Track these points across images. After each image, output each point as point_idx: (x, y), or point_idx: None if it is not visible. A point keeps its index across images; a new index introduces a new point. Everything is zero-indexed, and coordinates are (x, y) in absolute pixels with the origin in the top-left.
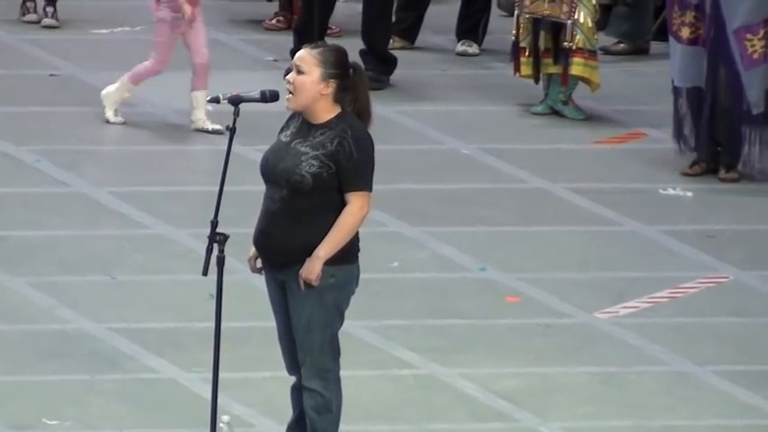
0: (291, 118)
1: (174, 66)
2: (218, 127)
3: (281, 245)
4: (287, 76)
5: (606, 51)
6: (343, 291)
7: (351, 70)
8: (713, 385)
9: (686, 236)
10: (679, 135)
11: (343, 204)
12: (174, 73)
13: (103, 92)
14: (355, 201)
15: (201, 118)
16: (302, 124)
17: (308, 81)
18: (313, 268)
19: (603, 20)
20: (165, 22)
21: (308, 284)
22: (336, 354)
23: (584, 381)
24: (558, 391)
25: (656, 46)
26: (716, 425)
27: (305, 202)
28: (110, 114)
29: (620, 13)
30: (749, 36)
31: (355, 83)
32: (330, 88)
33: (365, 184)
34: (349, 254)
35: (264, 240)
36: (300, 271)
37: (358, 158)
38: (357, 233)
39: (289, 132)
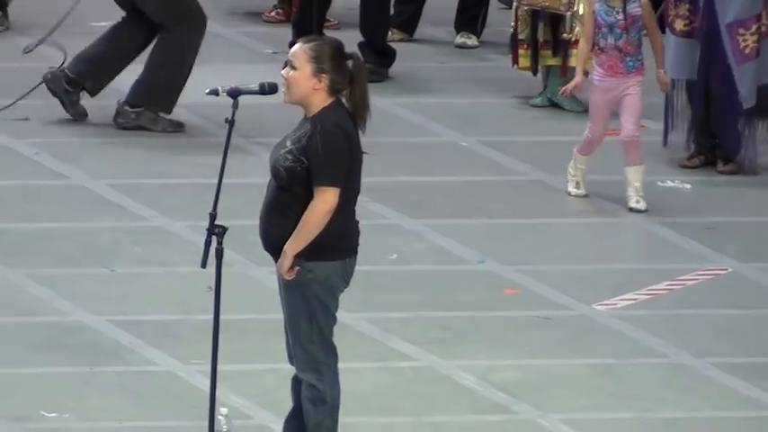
0: None
1: None
2: (641, 207)
3: (268, 235)
4: (282, 71)
5: None
6: (324, 286)
7: (349, 61)
8: (712, 377)
9: (685, 228)
10: (669, 127)
11: None
12: None
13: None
14: (318, 196)
15: (630, 195)
16: (303, 117)
17: (300, 77)
18: (282, 263)
19: None
20: (594, 87)
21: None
22: (328, 347)
23: (582, 373)
24: (556, 383)
25: None
26: (714, 417)
27: (285, 195)
28: (570, 187)
29: None
30: (741, 31)
31: (353, 74)
32: (323, 83)
33: (329, 179)
34: (329, 249)
35: (259, 229)
36: (276, 265)
37: (323, 153)
38: (349, 229)
39: (297, 125)
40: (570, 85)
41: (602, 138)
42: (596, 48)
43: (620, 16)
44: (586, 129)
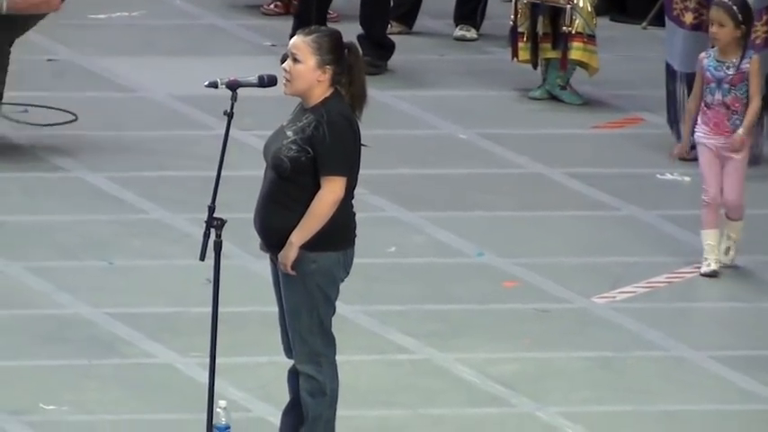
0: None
1: (173, 51)
2: (726, 261)
3: (268, 227)
4: (283, 64)
5: None
6: (326, 277)
7: (346, 51)
8: (710, 370)
9: (684, 221)
10: (674, 120)
11: None
12: (171, 58)
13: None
14: (326, 185)
15: (721, 247)
16: (300, 107)
17: (305, 69)
18: (287, 254)
19: (602, 4)
20: (701, 145)
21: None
22: (328, 338)
23: (581, 366)
24: (555, 375)
25: (653, 31)
26: (713, 410)
27: (287, 186)
28: (702, 268)
29: None
30: (753, 22)
31: (351, 64)
32: (327, 74)
33: (337, 168)
34: (332, 240)
35: (256, 222)
36: (279, 256)
37: (330, 142)
38: (350, 219)
39: (291, 116)
40: (675, 151)
41: (719, 203)
42: (702, 104)
43: (731, 71)
44: (702, 194)
